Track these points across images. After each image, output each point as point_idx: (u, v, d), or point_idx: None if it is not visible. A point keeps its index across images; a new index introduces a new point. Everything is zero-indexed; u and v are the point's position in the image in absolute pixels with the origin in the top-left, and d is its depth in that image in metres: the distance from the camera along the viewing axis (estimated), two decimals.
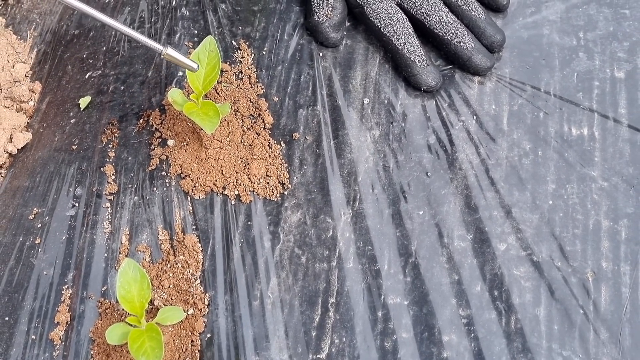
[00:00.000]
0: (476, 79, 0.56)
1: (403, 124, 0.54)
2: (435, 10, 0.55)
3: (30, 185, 0.56)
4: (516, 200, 0.51)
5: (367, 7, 0.56)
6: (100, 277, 0.51)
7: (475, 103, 0.55)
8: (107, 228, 0.52)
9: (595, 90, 0.56)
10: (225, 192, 0.52)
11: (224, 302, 0.49)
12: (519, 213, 0.51)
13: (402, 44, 0.55)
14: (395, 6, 0.57)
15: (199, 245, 0.51)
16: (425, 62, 0.54)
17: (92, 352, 0.48)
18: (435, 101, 0.55)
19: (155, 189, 0.53)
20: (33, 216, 0.54)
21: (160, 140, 0.55)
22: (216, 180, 0.52)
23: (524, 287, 0.49)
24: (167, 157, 0.54)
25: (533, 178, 0.52)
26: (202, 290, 0.49)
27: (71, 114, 0.60)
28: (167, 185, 0.53)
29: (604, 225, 0.51)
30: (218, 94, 0.55)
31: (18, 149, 0.60)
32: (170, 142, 0.54)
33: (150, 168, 0.54)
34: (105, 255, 0.51)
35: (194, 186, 0.52)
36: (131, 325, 0.46)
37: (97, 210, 0.53)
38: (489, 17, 0.57)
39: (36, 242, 0.53)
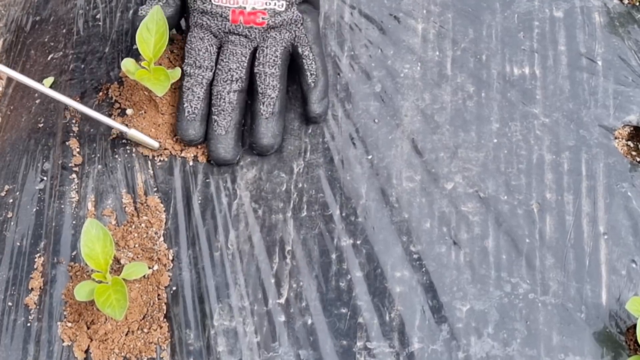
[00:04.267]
0: (420, 26, 0.58)
1: (350, 75, 0.56)
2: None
3: (0, 164, 0.59)
4: (462, 141, 0.53)
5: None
6: (69, 243, 0.53)
7: (420, 50, 0.57)
8: (74, 197, 0.55)
9: (535, 30, 0.57)
10: (183, 154, 0.54)
11: (187, 257, 0.51)
12: (465, 153, 0.53)
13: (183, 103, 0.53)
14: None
15: (161, 205, 0.53)
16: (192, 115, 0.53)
17: (65, 313, 0.50)
18: (381, 50, 0.57)
19: (117, 156, 0.55)
20: (5, 193, 0.57)
21: (120, 110, 0.57)
22: (174, 144, 0.55)
23: (472, 221, 0.51)
24: (127, 125, 0.56)
25: (477, 119, 0.54)
26: (166, 247, 0.51)
27: (36, 95, 0.62)
28: (128, 152, 0.55)
29: (547, 158, 0.53)
30: (171, 62, 0.57)
31: None
32: (129, 111, 0.56)
33: (111, 137, 0.56)
34: (74, 222, 0.54)
35: (153, 150, 0.55)
36: (97, 281, 0.48)
37: (64, 182, 0.55)
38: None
39: (8, 216, 0.55)
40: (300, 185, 0.52)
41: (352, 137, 0.54)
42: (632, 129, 0.54)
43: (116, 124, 0.53)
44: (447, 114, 0.54)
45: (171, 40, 0.58)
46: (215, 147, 0.52)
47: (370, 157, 0.53)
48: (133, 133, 0.53)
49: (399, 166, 0.52)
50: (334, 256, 0.50)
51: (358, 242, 0.50)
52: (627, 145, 0.53)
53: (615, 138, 0.53)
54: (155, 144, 0.54)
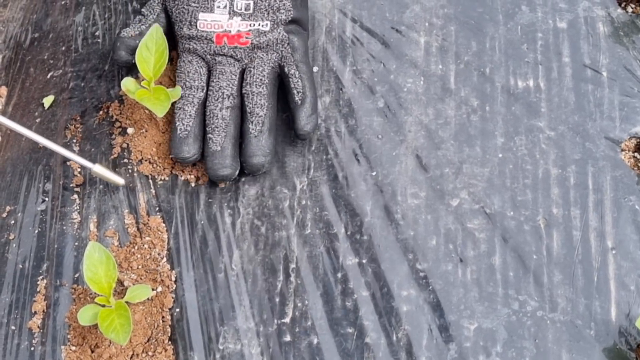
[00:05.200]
0: (422, 39, 0.57)
1: (352, 90, 0.56)
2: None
3: (1, 185, 0.58)
4: (466, 156, 0.53)
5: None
6: (71, 265, 0.52)
7: (423, 64, 0.56)
8: (75, 218, 0.54)
9: (539, 41, 0.57)
10: (185, 173, 0.54)
11: (190, 277, 0.50)
12: (470, 168, 0.52)
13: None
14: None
15: (164, 225, 0.53)
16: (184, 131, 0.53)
17: (68, 336, 0.50)
18: (383, 65, 0.57)
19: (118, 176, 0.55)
20: (6, 214, 0.56)
21: (121, 129, 0.56)
22: (175, 163, 0.54)
23: (478, 238, 0.50)
24: (128, 144, 0.55)
25: (482, 134, 0.54)
26: (169, 268, 0.51)
27: (36, 113, 0.62)
28: (130, 171, 0.55)
29: (553, 172, 0.52)
30: (172, 80, 0.57)
31: None
32: (130, 130, 0.56)
33: (112, 157, 0.56)
34: (76, 244, 0.53)
35: (155, 170, 0.54)
36: (101, 305, 0.48)
37: (65, 203, 0.55)
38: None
39: (10, 237, 0.55)
40: (303, 202, 0.52)
41: (355, 153, 0.53)
42: (638, 140, 0.54)
43: (80, 160, 0.52)
44: (452, 129, 0.54)
45: (171, 60, 0.58)
46: (212, 163, 0.52)
47: (374, 173, 0.52)
48: (97, 170, 0.52)
49: (404, 183, 0.52)
50: (339, 275, 0.49)
51: (363, 260, 0.49)
52: (634, 157, 0.53)
53: (622, 150, 0.53)
54: (121, 181, 0.53)
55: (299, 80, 0.53)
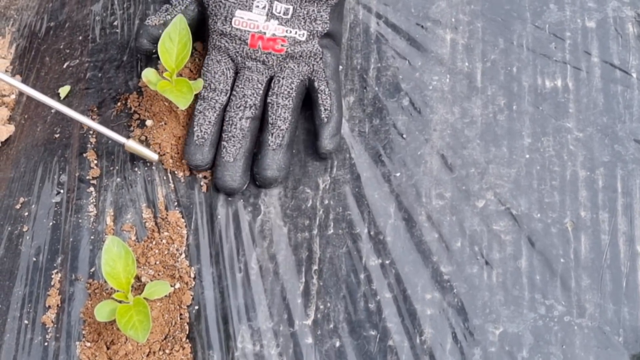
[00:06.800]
0: (448, 36, 0.56)
1: (377, 88, 0.55)
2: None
3: (15, 175, 0.57)
4: (493, 157, 0.52)
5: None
6: (87, 259, 0.51)
7: (449, 61, 0.55)
8: (92, 211, 0.53)
9: (567, 40, 0.56)
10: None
11: (209, 275, 0.49)
12: (496, 169, 0.51)
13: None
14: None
15: (183, 220, 0.51)
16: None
17: (83, 332, 0.49)
18: (408, 62, 0.55)
19: (136, 169, 0.54)
20: (20, 205, 0.55)
21: (139, 121, 0.55)
22: None
23: (504, 240, 0.49)
24: (147, 137, 0.54)
25: (509, 133, 0.53)
26: (188, 264, 0.50)
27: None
28: (148, 164, 0.54)
29: (581, 175, 0.51)
30: (192, 71, 0.56)
31: (2, 142, 0.61)
32: (149, 123, 0.55)
33: None
34: (92, 237, 0.52)
35: (174, 164, 0.53)
36: (119, 301, 0.47)
37: (81, 195, 0.54)
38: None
39: (24, 230, 0.54)
40: (326, 202, 0.51)
41: (379, 153, 0.52)
42: None
43: (113, 135, 0.52)
44: (478, 128, 0.53)
45: (194, 49, 0.57)
46: (222, 174, 0.50)
47: (398, 174, 0.51)
48: (131, 144, 0.52)
49: (428, 183, 0.51)
50: (362, 276, 0.48)
51: (387, 262, 0.48)
52: None
53: None
54: (155, 156, 0.52)
55: (328, 98, 0.52)
